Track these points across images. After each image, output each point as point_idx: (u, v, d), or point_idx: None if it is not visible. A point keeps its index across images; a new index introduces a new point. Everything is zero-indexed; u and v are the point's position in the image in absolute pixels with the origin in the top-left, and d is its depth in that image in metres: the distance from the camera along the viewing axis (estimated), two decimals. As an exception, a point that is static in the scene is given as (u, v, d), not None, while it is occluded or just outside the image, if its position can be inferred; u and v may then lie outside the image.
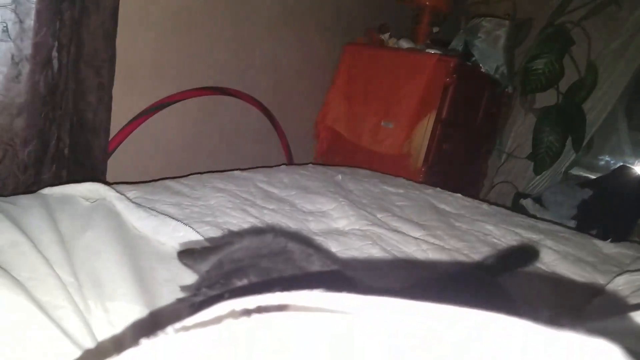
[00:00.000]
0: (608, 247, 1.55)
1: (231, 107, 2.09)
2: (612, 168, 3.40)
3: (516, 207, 3.11)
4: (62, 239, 0.87)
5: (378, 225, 1.36)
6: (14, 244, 0.79)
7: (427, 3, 2.70)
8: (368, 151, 2.52)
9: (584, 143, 3.16)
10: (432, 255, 1.24)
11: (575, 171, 3.49)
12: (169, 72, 1.77)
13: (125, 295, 0.76)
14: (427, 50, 2.49)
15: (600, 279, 1.25)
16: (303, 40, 2.38)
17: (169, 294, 0.80)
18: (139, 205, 1.11)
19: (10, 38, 1.17)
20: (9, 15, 1.15)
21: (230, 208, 1.28)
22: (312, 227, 1.31)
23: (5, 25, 1.15)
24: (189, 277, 0.89)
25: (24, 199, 1.01)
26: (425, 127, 2.37)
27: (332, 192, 1.58)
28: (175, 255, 0.97)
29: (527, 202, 3.15)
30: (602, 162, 3.53)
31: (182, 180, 1.44)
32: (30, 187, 1.30)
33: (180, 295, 0.82)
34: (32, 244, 0.80)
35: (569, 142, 3.08)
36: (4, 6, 1.13)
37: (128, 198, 1.13)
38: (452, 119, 2.44)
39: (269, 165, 1.88)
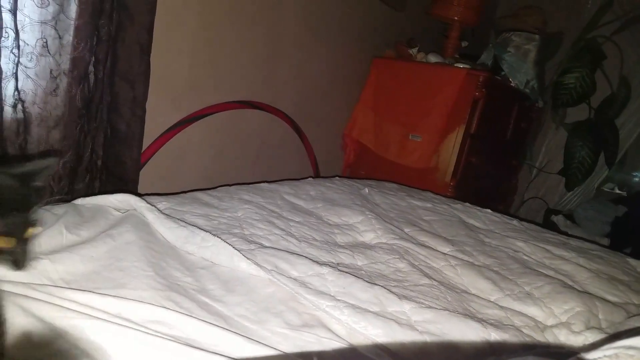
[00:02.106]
0: (643, 266, 1.50)
1: (260, 120, 2.11)
2: (646, 185, 3.31)
3: (547, 224, 3.05)
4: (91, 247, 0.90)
5: (405, 240, 1.35)
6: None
7: (456, 17, 2.69)
8: (395, 164, 2.51)
9: (617, 159, 3.09)
10: (461, 271, 1.22)
11: (608, 187, 3.40)
12: (200, 86, 1.81)
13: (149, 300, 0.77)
14: (456, 64, 2.48)
15: (634, 299, 1.22)
16: (331, 53, 2.40)
17: (192, 302, 0.82)
18: (168, 216, 1.13)
19: (49, 53, 1.21)
20: (49, 32, 1.19)
21: (257, 220, 1.28)
22: (338, 240, 1.31)
23: (45, 41, 1.20)
24: (215, 287, 0.91)
25: (58, 209, 1.04)
26: (454, 141, 2.35)
27: (358, 205, 1.58)
28: (202, 265, 0.98)
29: (558, 219, 3.09)
30: (636, 178, 3.44)
31: (210, 192, 1.46)
32: (64, 197, 1.34)
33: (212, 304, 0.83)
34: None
35: (601, 157, 3.02)
36: (45, 23, 1.17)
37: (158, 209, 1.15)
38: (481, 133, 2.41)
39: (297, 177, 1.89)
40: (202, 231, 1.07)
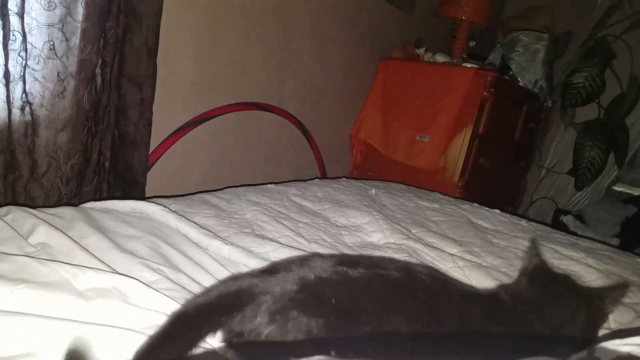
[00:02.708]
0: (653, 267, 1.49)
1: (266, 121, 2.12)
2: (657, 185, 3.28)
3: (556, 224, 3.03)
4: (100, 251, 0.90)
5: (413, 240, 1.34)
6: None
7: (464, 17, 2.68)
8: (403, 165, 2.50)
9: (627, 158, 3.06)
10: (468, 272, 1.21)
11: (618, 187, 3.37)
12: (207, 88, 1.81)
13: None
14: (464, 64, 2.47)
15: (645, 299, 1.20)
16: (338, 55, 2.40)
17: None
18: (187, 218, 1.14)
19: (56, 56, 1.22)
20: (56, 34, 1.19)
21: (265, 221, 1.29)
22: (346, 240, 1.31)
23: (52, 43, 1.20)
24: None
25: (68, 212, 1.04)
26: (462, 142, 2.34)
27: (365, 206, 1.57)
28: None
29: (567, 219, 3.07)
30: (647, 179, 3.41)
31: (217, 193, 1.46)
32: (72, 199, 1.35)
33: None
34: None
35: (611, 157, 2.99)
36: (52, 25, 1.18)
37: (173, 211, 1.16)
38: (489, 133, 2.40)
39: (303, 178, 1.89)
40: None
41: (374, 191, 1.79)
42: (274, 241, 1.15)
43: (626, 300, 1.18)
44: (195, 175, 1.89)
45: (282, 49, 2.07)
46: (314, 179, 1.89)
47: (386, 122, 2.58)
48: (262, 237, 1.18)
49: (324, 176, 2.51)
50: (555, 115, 3.30)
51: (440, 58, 2.58)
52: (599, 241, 1.78)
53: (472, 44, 2.83)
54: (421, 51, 2.64)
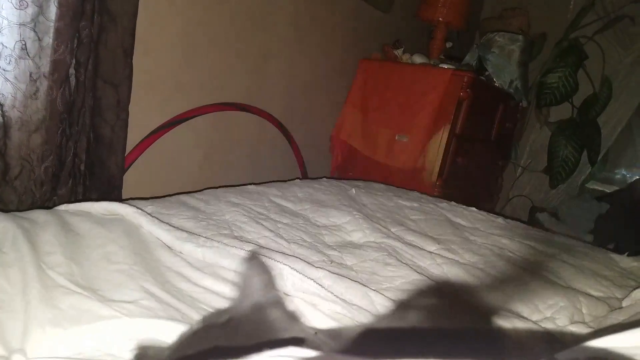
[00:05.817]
0: (625, 261, 1.52)
1: (246, 122, 2.11)
2: (628, 181, 3.36)
3: (532, 221, 3.08)
4: (75, 255, 0.89)
5: (393, 239, 1.35)
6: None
7: (441, 19, 2.71)
8: (383, 165, 2.52)
9: (600, 156, 3.13)
10: (447, 269, 1.23)
11: (592, 185, 3.45)
12: (184, 88, 1.79)
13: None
14: (441, 65, 2.49)
15: (617, 294, 1.23)
16: (318, 55, 2.40)
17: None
18: (160, 220, 1.13)
19: (29, 56, 1.19)
20: (28, 34, 1.17)
21: (245, 222, 1.28)
22: (326, 240, 1.31)
23: (24, 43, 1.18)
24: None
25: (41, 215, 1.02)
26: (440, 141, 2.36)
27: (346, 206, 1.58)
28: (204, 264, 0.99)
29: (543, 216, 3.12)
30: (619, 176, 3.49)
31: (196, 195, 1.45)
32: (46, 202, 1.32)
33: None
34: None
35: (584, 155, 3.05)
36: (23, 25, 1.16)
37: (148, 213, 1.15)
38: (466, 132, 2.43)
39: (284, 179, 1.88)
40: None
41: (354, 191, 1.80)
42: (253, 242, 1.15)
43: (599, 294, 1.21)
44: (174, 177, 1.87)
45: (262, 49, 2.06)
46: (294, 179, 1.89)
47: (366, 123, 2.59)
48: (241, 238, 1.18)
49: (304, 176, 2.51)
50: (530, 114, 3.36)
51: (418, 59, 2.60)
52: (574, 237, 1.81)
53: (449, 45, 2.86)
54: (399, 52, 2.66)
